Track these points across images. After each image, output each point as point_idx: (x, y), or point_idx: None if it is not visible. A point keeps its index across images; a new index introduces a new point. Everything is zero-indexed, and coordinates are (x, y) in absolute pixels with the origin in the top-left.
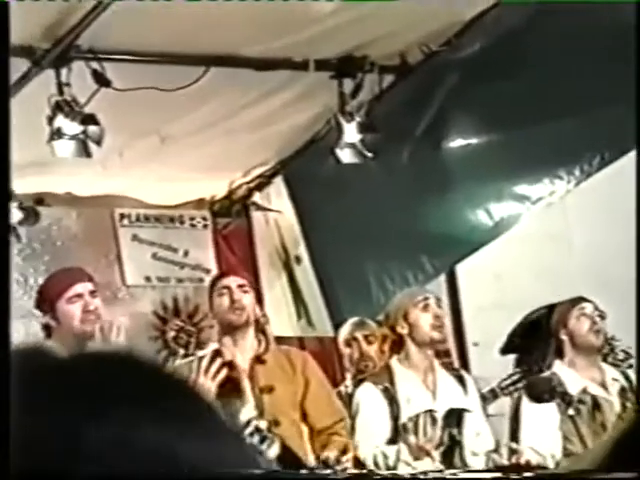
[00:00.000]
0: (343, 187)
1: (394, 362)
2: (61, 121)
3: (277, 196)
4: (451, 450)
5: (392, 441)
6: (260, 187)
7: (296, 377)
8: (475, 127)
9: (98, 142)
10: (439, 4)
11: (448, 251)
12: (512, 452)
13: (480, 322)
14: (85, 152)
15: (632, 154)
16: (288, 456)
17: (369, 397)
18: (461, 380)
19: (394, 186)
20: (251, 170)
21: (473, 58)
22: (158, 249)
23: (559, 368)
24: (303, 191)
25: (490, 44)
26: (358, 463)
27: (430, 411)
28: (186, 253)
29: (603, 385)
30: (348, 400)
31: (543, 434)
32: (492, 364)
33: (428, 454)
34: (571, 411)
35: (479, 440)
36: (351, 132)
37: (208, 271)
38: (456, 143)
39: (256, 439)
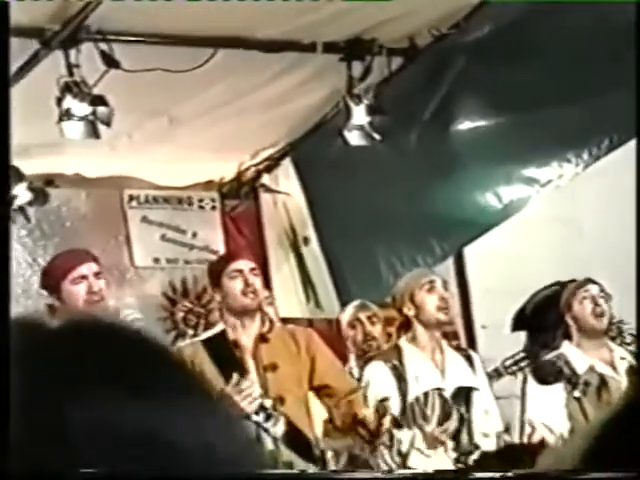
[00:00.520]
0: (351, 169)
1: (403, 342)
2: (70, 102)
3: (285, 178)
4: (459, 430)
5: (401, 422)
6: (269, 169)
7: (300, 355)
8: (483, 110)
9: (107, 123)
10: None
11: (457, 234)
12: (525, 430)
13: (488, 305)
14: (94, 133)
15: None
16: (293, 433)
17: (378, 374)
18: (469, 359)
19: (402, 169)
20: (260, 152)
21: (482, 41)
22: (167, 230)
23: (567, 348)
24: (311, 173)
25: (499, 27)
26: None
27: (439, 389)
28: (194, 235)
29: (611, 364)
30: (356, 379)
31: (550, 414)
32: (500, 347)
33: (442, 444)
34: (577, 393)
35: (488, 419)
36: (359, 115)
37: (216, 253)
38: (464, 126)
39: (261, 417)
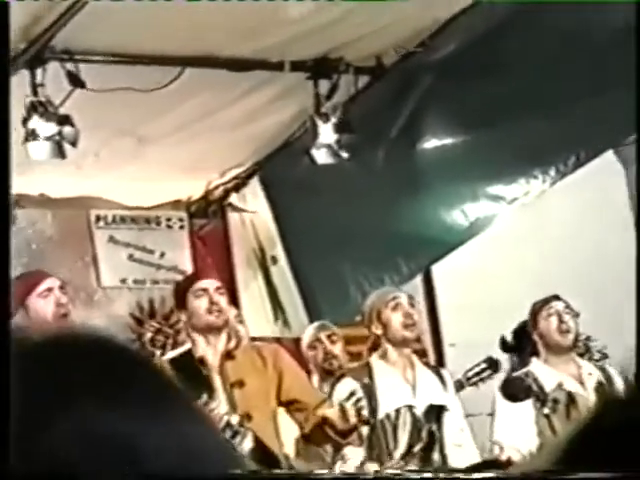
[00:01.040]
0: (319, 188)
1: (374, 359)
2: (36, 122)
3: (253, 197)
4: (430, 447)
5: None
6: (237, 188)
7: (267, 370)
8: (450, 128)
9: (73, 143)
10: (413, 6)
11: (423, 252)
12: (494, 449)
13: (457, 323)
14: (60, 153)
15: (608, 153)
16: (260, 450)
17: (347, 389)
18: (440, 377)
19: (369, 187)
20: (228, 171)
21: (447, 59)
22: (134, 250)
23: (535, 365)
24: (279, 192)
25: (464, 45)
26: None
27: (409, 406)
28: (162, 254)
29: (579, 380)
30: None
31: (519, 432)
32: (469, 365)
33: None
34: (546, 410)
35: (462, 436)
36: (327, 133)
37: (184, 272)
38: (431, 144)
39: (228, 434)
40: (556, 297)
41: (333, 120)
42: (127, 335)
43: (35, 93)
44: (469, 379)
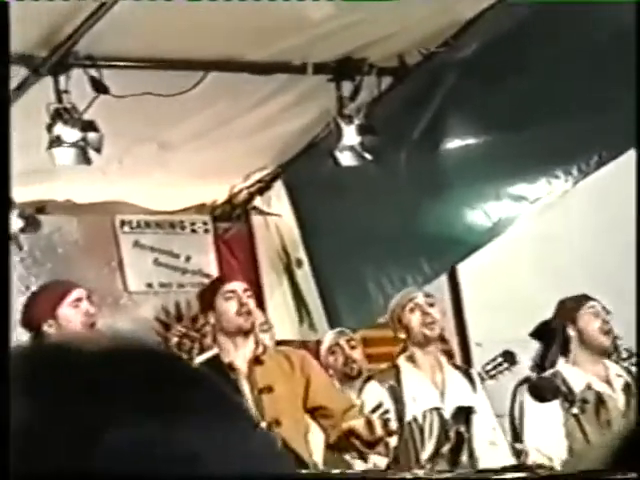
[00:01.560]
0: (342, 190)
1: (401, 361)
2: (60, 128)
3: (277, 200)
4: (458, 448)
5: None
6: (260, 191)
7: (295, 375)
8: (472, 128)
9: (98, 149)
10: (437, 5)
11: (446, 253)
12: (518, 453)
13: (483, 322)
14: (85, 159)
15: (630, 152)
16: (290, 455)
17: (375, 395)
18: (469, 377)
19: (392, 188)
20: (251, 174)
21: (471, 59)
22: (159, 255)
23: (563, 366)
24: (303, 194)
25: (487, 45)
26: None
27: (437, 409)
28: (188, 258)
29: (607, 381)
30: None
31: (547, 434)
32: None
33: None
34: (575, 410)
35: (496, 434)
36: (350, 135)
37: (209, 276)
38: (454, 144)
39: None
40: (588, 297)
41: (356, 122)
42: (154, 339)
43: (60, 100)
44: (487, 372)
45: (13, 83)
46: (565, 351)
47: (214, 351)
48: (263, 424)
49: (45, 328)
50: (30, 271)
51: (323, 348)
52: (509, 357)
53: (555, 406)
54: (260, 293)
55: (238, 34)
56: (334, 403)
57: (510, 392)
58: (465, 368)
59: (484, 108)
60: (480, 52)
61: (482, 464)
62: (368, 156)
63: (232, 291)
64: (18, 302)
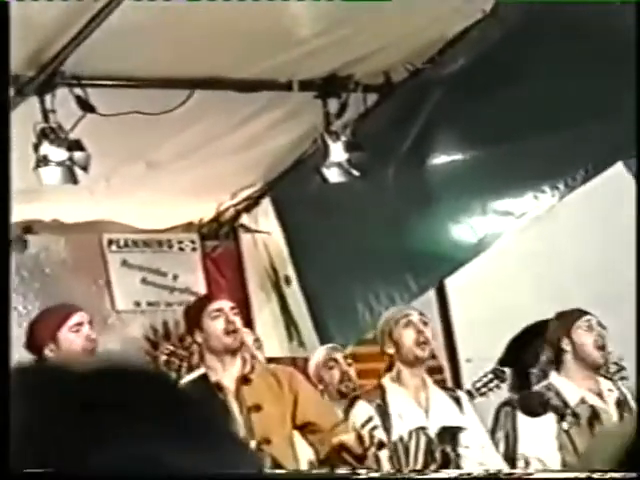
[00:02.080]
0: (330, 207)
1: (386, 380)
2: (47, 148)
3: (265, 217)
4: (444, 468)
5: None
6: (248, 209)
7: (284, 393)
8: (459, 143)
9: (84, 168)
10: (422, 21)
11: (432, 269)
12: (518, 464)
13: (472, 338)
14: (72, 179)
15: (617, 165)
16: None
17: (364, 411)
18: (456, 398)
19: (380, 204)
20: (238, 192)
21: (456, 75)
22: (147, 274)
23: (555, 379)
24: (290, 211)
25: (473, 61)
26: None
27: (423, 428)
28: (175, 277)
29: (600, 395)
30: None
31: (541, 448)
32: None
33: None
34: (566, 425)
35: (485, 453)
36: (337, 151)
37: (197, 294)
38: (440, 160)
39: None
40: (583, 311)
41: (343, 138)
42: (142, 358)
43: (46, 119)
44: (478, 389)
45: None
46: (559, 364)
47: (201, 370)
48: (253, 443)
49: (47, 352)
50: (17, 291)
51: (318, 362)
52: (500, 374)
53: (549, 420)
54: (248, 311)
55: (224, 52)
56: (323, 419)
57: (498, 408)
58: (451, 387)
59: (470, 124)
60: (466, 68)
61: None
62: (355, 173)
63: (219, 310)
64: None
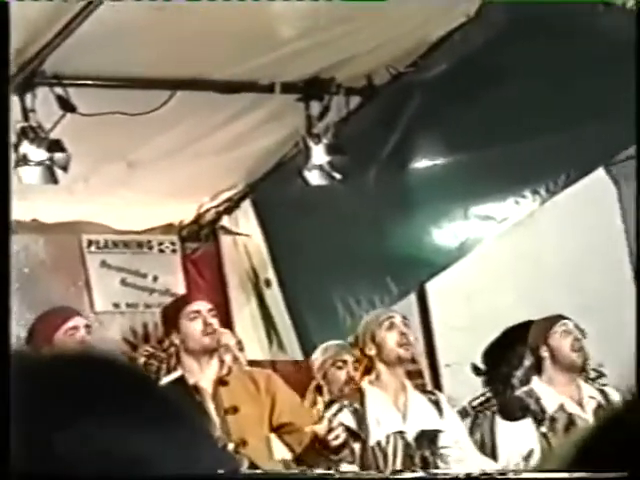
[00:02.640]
0: (311, 209)
1: (365, 383)
2: (27, 147)
3: (245, 219)
4: (424, 471)
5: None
6: (228, 211)
7: (260, 395)
8: (440, 148)
9: (64, 168)
10: (404, 25)
11: (413, 273)
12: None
13: (452, 343)
14: (51, 178)
15: (599, 171)
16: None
17: (336, 406)
18: (435, 402)
19: (361, 208)
20: (219, 194)
21: (439, 79)
22: (127, 275)
23: (537, 385)
24: (271, 214)
25: (455, 65)
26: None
27: (400, 432)
28: (155, 278)
29: (580, 403)
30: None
31: (519, 451)
32: (465, 385)
33: None
34: (544, 429)
35: (464, 453)
36: (319, 154)
37: (177, 296)
38: (422, 164)
39: None
40: (562, 316)
41: (325, 141)
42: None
43: (26, 118)
44: (475, 407)
45: None
46: (539, 371)
47: (178, 373)
48: (230, 445)
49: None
50: None
51: (326, 357)
52: (497, 390)
53: (527, 424)
54: (228, 313)
55: (205, 53)
56: (300, 419)
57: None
58: (430, 390)
59: (452, 128)
60: (448, 72)
61: None
62: (337, 175)
63: (196, 311)
64: None
